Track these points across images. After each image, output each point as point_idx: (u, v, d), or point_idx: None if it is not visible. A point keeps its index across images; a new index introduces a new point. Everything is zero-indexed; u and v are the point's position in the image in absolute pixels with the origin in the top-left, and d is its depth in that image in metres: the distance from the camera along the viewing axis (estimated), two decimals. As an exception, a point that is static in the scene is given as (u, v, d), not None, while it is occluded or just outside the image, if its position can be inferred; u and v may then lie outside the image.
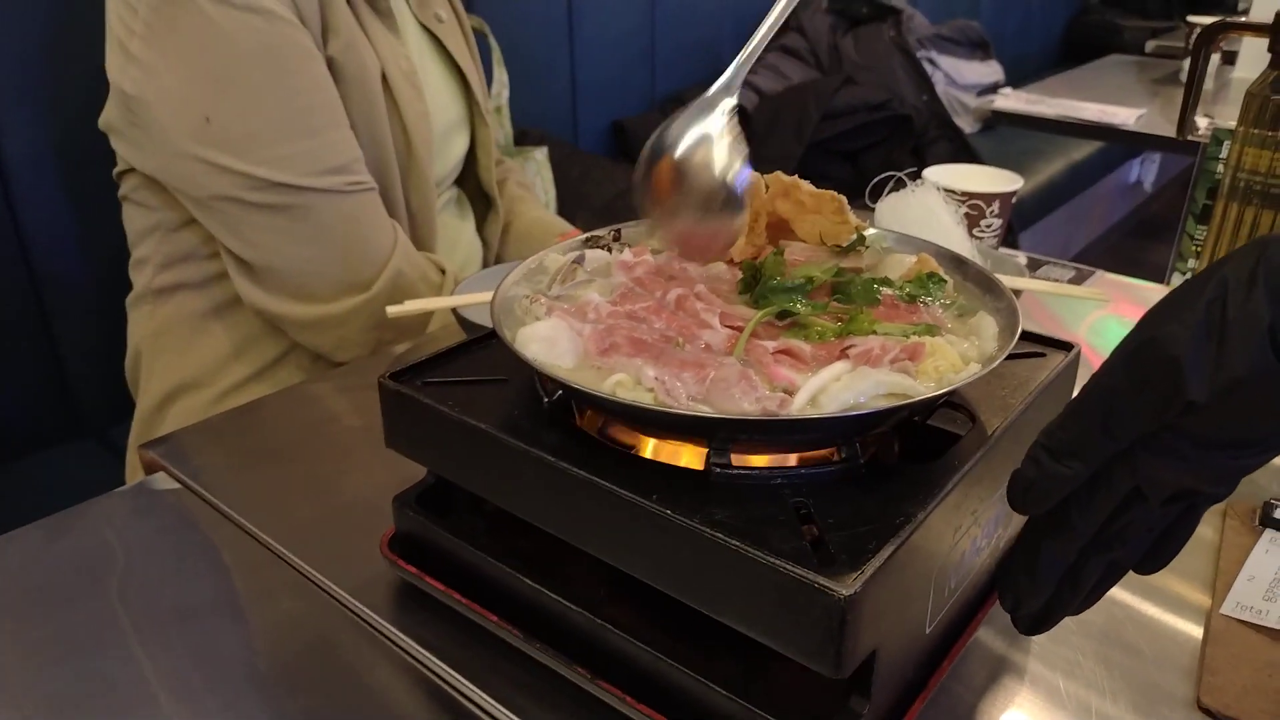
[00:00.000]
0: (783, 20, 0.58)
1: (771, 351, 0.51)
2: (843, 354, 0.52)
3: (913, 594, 0.48)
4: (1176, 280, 1.04)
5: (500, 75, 1.64)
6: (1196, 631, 0.62)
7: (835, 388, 0.48)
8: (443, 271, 1.07)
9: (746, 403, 0.48)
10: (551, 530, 0.53)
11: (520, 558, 0.57)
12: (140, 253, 1.06)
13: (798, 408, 0.48)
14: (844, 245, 0.64)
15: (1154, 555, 0.47)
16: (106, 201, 1.10)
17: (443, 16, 1.17)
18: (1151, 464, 0.42)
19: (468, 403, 0.56)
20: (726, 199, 0.55)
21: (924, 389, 0.49)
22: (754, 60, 0.58)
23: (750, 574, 0.44)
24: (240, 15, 0.89)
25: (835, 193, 0.62)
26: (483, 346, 0.65)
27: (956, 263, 0.63)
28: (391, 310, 0.87)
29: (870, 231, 0.65)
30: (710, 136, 0.55)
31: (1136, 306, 1.12)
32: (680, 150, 0.55)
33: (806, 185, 0.63)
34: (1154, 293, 1.15)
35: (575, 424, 0.55)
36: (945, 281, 0.61)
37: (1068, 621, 0.61)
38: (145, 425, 1.08)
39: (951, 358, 0.52)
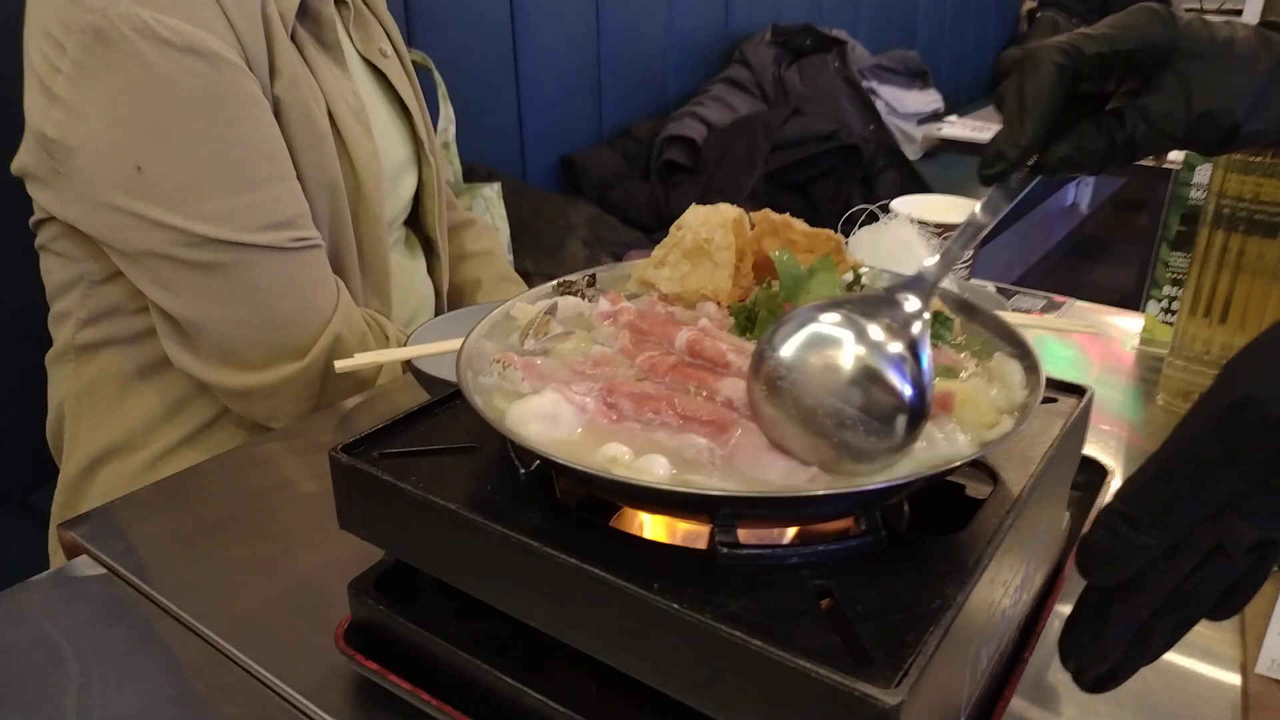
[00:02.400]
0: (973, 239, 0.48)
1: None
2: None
3: (952, 685, 0.43)
4: (1152, 308, 1.01)
5: (446, 110, 1.58)
6: (1233, 686, 0.57)
7: None
8: (387, 336, 1.00)
9: (789, 473, 0.42)
10: (535, 624, 0.47)
11: (498, 651, 0.51)
12: (61, 306, 0.97)
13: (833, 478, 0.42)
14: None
15: (1227, 602, 0.43)
16: (23, 249, 1.01)
17: (387, 52, 1.11)
18: (1240, 523, 0.38)
19: (433, 477, 0.50)
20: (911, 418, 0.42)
21: (968, 449, 0.44)
22: (951, 268, 0.47)
23: (773, 677, 0.38)
24: (181, 58, 0.82)
25: (832, 231, 0.58)
26: (446, 408, 0.58)
27: (963, 306, 0.58)
28: (340, 365, 0.80)
29: (864, 270, 0.61)
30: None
31: (1099, 336, 1.09)
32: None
33: (800, 224, 0.58)
34: (1109, 318, 1.13)
35: (558, 498, 0.49)
36: (952, 320, 0.57)
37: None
38: (70, 494, 0.98)
39: (983, 408, 0.47)
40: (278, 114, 0.91)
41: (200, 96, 0.83)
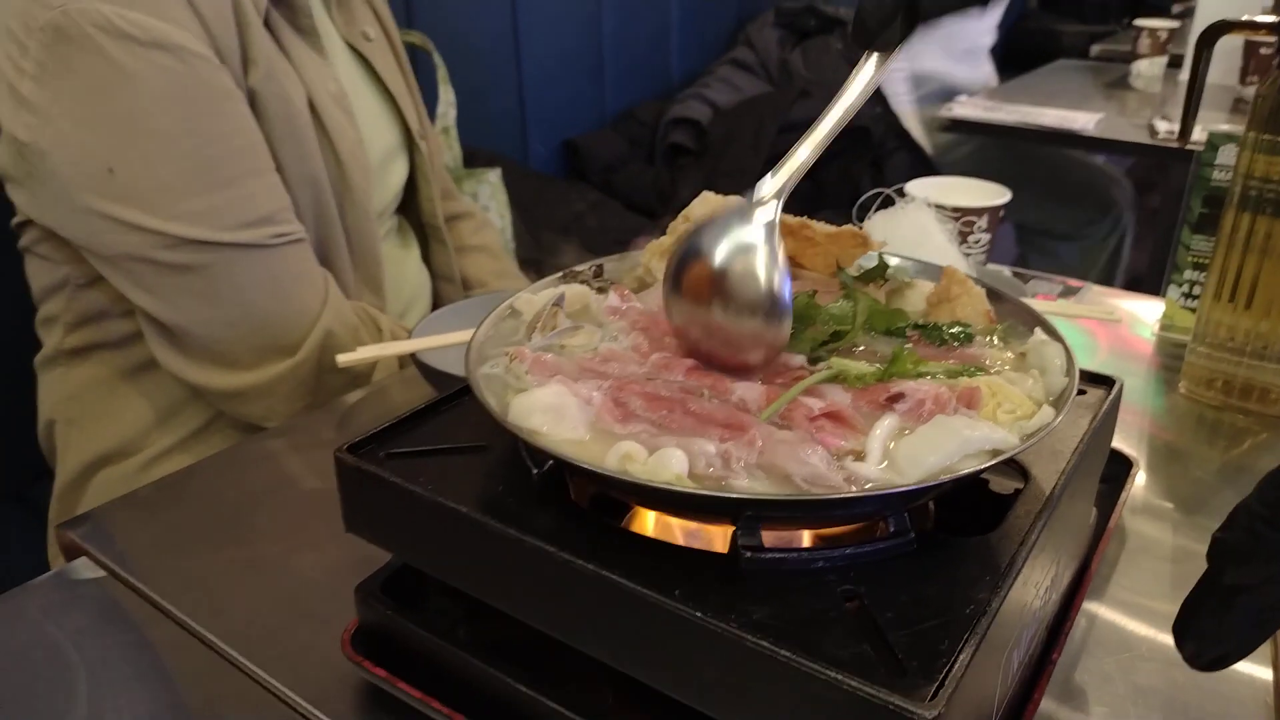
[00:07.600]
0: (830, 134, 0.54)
1: (813, 416, 0.43)
2: (888, 404, 0.44)
3: (985, 692, 0.41)
4: (1173, 293, 0.99)
5: (446, 94, 1.56)
6: (1264, 685, 0.56)
7: (916, 447, 0.41)
8: (380, 329, 0.98)
9: (823, 473, 0.40)
10: (549, 630, 0.45)
11: (510, 657, 0.49)
12: (48, 309, 0.95)
13: (875, 475, 0.41)
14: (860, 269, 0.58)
15: None
16: (7, 251, 0.98)
17: (371, 35, 1.07)
18: None
19: (441, 478, 0.48)
20: (770, 309, 0.47)
21: (1015, 441, 0.42)
22: (802, 174, 0.53)
23: (801, 688, 0.37)
24: (146, 53, 0.79)
25: (854, 228, 0.56)
26: (453, 405, 0.57)
27: (989, 295, 0.56)
28: (343, 359, 0.78)
29: (894, 262, 0.59)
30: (753, 245, 0.48)
31: (1113, 323, 1.06)
32: (719, 259, 0.48)
33: (820, 225, 0.56)
34: (1125, 303, 1.10)
35: (572, 499, 0.47)
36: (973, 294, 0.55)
37: (1125, 692, 0.56)
38: (65, 501, 0.96)
39: (1016, 398, 0.45)
40: (254, 106, 0.88)
41: (169, 93, 0.80)
